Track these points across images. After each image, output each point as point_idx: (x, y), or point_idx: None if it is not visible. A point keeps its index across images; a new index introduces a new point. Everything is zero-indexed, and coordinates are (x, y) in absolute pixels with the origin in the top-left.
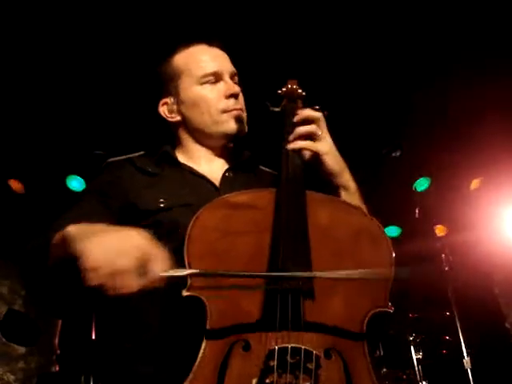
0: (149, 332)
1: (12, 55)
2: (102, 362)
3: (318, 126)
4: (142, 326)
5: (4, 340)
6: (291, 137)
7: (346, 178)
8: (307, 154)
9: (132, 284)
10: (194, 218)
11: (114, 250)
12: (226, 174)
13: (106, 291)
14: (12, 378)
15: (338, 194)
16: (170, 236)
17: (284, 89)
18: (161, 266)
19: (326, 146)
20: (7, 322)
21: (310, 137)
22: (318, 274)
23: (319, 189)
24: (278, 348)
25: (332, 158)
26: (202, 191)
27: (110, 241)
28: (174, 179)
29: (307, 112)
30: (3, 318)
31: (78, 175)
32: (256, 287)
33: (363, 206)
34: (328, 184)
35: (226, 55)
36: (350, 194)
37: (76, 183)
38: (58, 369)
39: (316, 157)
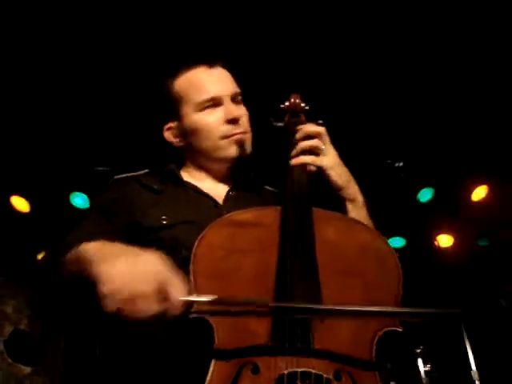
0: (153, 352)
1: (15, 69)
2: (106, 381)
3: (321, 140)
4: (145, 346)
5: (10, 360)
6: (294, 152)
7: (353, 191)
8: (312, 168)
9: (150, 309)
10: (200, 237)
11: (133, 275)
12: (230, 193)
13: (124, 316)
14: None
15: (345, 208)
16: (172, 253)
17: (287, 103)
18: (180, 291)
19: (329, 161)
20: (13, 342)
21: (314, 151)
22: (326, 307)
23: (326, 203)
24: (288, 372)
25: (337, 172)
26: (203, 208)
27: (129, 265)
28: (177, 197)
29: (310, 127)
30: (9, 338)
31: (82, 192)
32: (264, 313)
33: (370, 221)
34: (335, 198)
35: (227, 75)
36: (358, 207)
37: (79, 200)
38: None
39: (321, 171)
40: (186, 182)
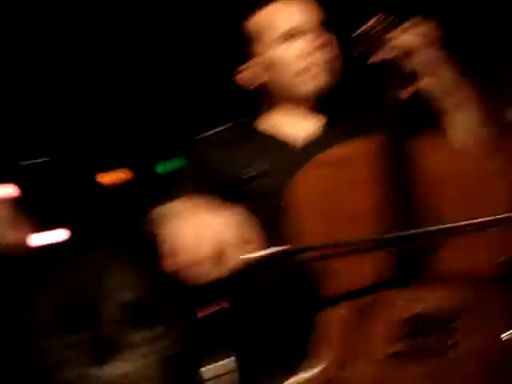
0: (263, 310)
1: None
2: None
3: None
4: (254, 305)
5: (125, 329)
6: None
7: (460, 96)
8: (406, 88)
9: (208, 273)
10: (292, 184)
11: (192, 237)
12: (314, 133)
13: (182, 279)
14: (130, 367)
15: (452, 121)
16: (259, 207)
17: (366, 26)
18: (241, 252)
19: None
20: (127, 311)
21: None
22: (438, 227)
23: (424, 124)
24: (412, 312)
25: (440, 78)
26: (288, 155)
27: (189, 226)
28: (259, 148)
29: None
30: (123, 307)
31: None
32: (371, 249)
33: (488, 125)
34: (436, 111)
35: (307, 5)
36: (469, 117)
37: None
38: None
39: (417, 78)
40: (265, 130)
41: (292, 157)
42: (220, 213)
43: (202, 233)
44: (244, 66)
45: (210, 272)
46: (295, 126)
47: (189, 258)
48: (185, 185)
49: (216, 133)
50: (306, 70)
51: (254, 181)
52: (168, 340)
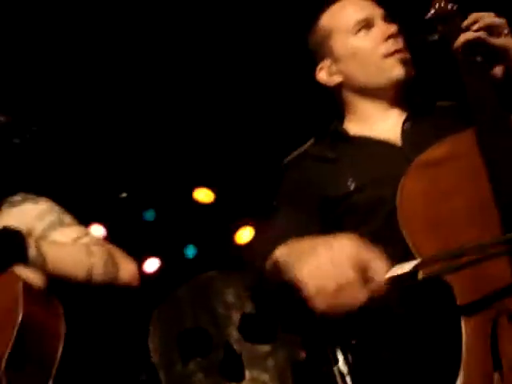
0: (395, 323)
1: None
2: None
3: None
4: (386, 317)
5: (248, 344)
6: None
7: None
8: (497, 72)
9: (360, 296)
10: (399, 190)
11: (330, 267)
12: (404, 128)
13: (337, 312)
14: (266, 376)
15: None
16: (369, 217)
17: (433, 11)
18: (382, 268)
19: None
20: (245, 326)
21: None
22: None
23: None
24: None
25: None
26: (385, 157)
27: (322, 257)
28: (355, 156)
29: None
30: (240, 323)
31: None
32: (500, 253)
33: None
34: None
35: (370, 0)
36: None
37: None
38: (305, 355)
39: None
40: (355, 135)
41: (394, 158)
42: (338, 238)
43: (337, 258)
44: (320, 66)
45: (361, 294)
46: (384, 121)
47: (335, 288)
48: (287, 214)
49: (302, 153)
50: (392, 52)
51: (357, 193)
52: (291, 347)
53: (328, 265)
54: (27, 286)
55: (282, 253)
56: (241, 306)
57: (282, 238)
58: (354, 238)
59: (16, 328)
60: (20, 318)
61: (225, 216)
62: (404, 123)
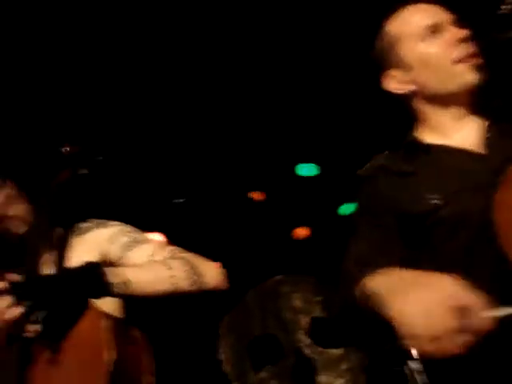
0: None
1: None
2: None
3: None
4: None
5: (320, 349)
6: None
7: None
8: None
9: (457, 344)
10: (494, 203)
11: (430, 310)
12: (486, 136)
13: (432, 356)
14: (341, 381)
15: None
16: (456, 232)
17: (507, 5)
18: (482, 309)
19: None
20: (315, 330)
21: None
22: None
23: None
24: None
25: None
26: (469, 167)
27: (423, 299)
28: (434, 168)
29: None
30: (310, 328)
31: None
32: None
33: None
34: None
35: (437, 6)
36: None
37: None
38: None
39: None
40: (434, 145)
41: (478, 167)
42: (440, 278)
43: (433, 301)
44: (387, 75)
45: (459, 341)
46: (460, 129)
47: (433, 334)
48: (370, 234)
49: (378, 166)
50: (463, 58)
51: (444, 207)
52: (360, 352)
53: (427, 308)
54: (113, 321)
55: (377, 284)
56: (309, 311)
57: (366, 261)
58: (456, 279)
59: (109, 366)
60: (114, 356)
61: None
62: (487, 130)
